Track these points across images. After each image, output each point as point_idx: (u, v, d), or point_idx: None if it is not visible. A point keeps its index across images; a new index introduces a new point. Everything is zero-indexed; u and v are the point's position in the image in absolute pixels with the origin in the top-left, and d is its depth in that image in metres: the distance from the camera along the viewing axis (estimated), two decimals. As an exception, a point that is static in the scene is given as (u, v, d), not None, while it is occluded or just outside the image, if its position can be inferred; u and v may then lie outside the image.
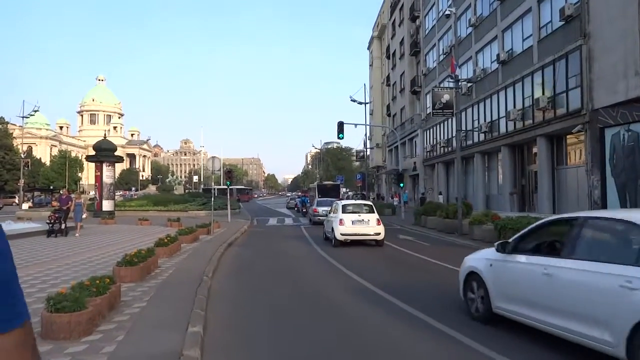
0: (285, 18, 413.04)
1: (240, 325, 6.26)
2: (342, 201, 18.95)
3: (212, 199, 20.07)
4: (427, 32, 41.62)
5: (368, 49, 70.66)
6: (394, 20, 52.72)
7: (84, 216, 18.58)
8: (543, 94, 21.62)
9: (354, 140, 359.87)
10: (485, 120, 28.53)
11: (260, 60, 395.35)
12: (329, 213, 18.64)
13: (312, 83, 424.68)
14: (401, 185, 29.36)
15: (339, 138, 29.00)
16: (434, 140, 39.32)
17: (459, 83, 19.78)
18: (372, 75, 66.23)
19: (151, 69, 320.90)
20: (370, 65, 68.67)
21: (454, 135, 34.18)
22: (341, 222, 15.88)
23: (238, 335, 5.80)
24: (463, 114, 32.45)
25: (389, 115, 56.00)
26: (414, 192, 46.51)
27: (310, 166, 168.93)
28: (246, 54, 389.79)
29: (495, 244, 6.25)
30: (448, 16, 20.50)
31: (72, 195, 18.57)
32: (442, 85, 30.11)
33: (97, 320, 5.46)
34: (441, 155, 37.69)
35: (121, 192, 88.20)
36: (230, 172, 25.63)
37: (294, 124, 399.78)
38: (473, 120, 30.79)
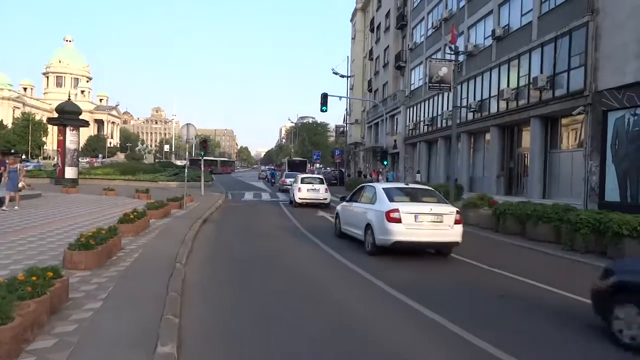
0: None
1: (226, 339, 4.85)
2: (301, 174, 25.81)
3: (199, 170, 18.29)
4: (415, 4, 39.96)
5: (351, 21, 68.50)
6: (380, -9, 50.74)
7: (20, 185, 14.97)
8: (541, 72, 20.51)
9: (330, 116, 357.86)
10: (474, 99, 27.38)
11: (236, 30, 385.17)
12: (293, 183, 24.32)
13: (289, 55, 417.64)
14: (385, 163, 28.17)
15: (322, 110, 27.48)
16: (417, 117, 38.16)
17: (458, 55, 18.40)
18: (353, 49, 64.29)
19: (124, 34, 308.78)
20: (352, 39, 66.66)
21: (439, 113, 33.21)
22: (299, 189, 21.95)
23: (224, 356, 4.40)
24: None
25: (370, 90, 54.46)
26: (394, 170, 45.51)
27: (284, 140, 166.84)
28: (222, 22, 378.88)
29: (340, 197, 14.66)
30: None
31: (7, 161, 15.01)
32: (434, 57, 28.65)
33: (30, 335, 3.97)
34: (424, 133, 36.60)
35: (87, 159, 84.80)
36: (206, 142, 23.92)
37: (269, 96, 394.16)
38: (462, 99, 29.59)
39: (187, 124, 16.95)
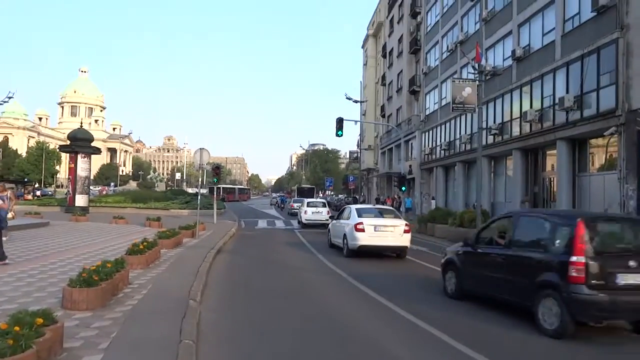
0: (275, 17, 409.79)
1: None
2: (307, 199, 29.90)
3: (209, 198, 17.52)
4: (429, 28, 39.64)
5: (362, 47, 68.65)
6: (392, 17, 50.74)
7: (9, 216, 12.35)
8: (567, 92, 19.65)
9: (341, 143, 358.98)
10: (495, 122, 26.53)
11: (246, 60, 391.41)
12: (300, 207, 28.34)
13: (300, 84, 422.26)
14: (403, 189, 27.23)
15: (337, 135, 26.76)
16: (433, 142, 37.32)
17: (482, 74, 17.67)
18: (365, 75, 64.17)
19: (137, 65, 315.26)
20: (364, 65, 66.63)
21: (457, 137, 32.37)
22: (305, 212, 26.18)
23: None
24: (469, 115, 30.55)
25: (383, 115, 53.94)
26: (409, 196, 44.49)
27: (295, 167, 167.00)
28: (232, 52, 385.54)
29: (330, 217, 20.35)
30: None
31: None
32: (456, 77, 28.00)
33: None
34: (441, 158, 35.69)
35: (99, 187, 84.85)
36: (219, 168, 23.26)
37: (279, 124, 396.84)
38: (481, 121, 28.79)
39: (200, 148, 16.29)
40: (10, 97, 48.18)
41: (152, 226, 20.10)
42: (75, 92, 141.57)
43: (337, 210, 21.37)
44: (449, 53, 34.53)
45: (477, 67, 17.14)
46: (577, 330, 6.08)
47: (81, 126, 30.63)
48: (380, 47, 58.57)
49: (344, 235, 13.87)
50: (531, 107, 22.66)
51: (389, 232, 13.31)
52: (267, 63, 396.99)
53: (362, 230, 13.13)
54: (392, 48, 50.27)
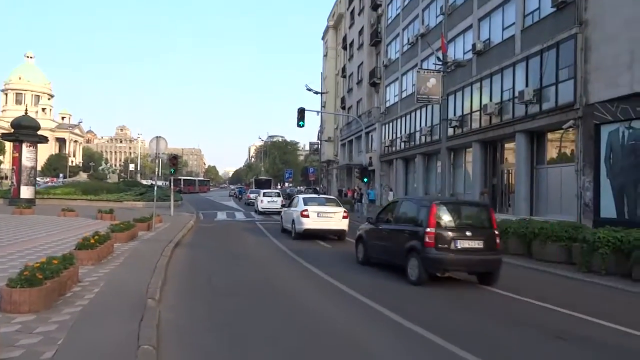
0: (234, 4, 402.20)
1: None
2: (263, 190, 33.02)
3: (167, 190, 16.67)
4: (390, 21, 39.64)
5: (322, 39, 68.21)
6: (353, 9, 50.51)
7: None
8: (527, 86, 19.94)
9: (300, 134, 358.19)
10: (455, 114, 26.76)
11: (204, 48, 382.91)
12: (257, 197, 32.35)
13: (257, 74, 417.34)
14: (365, 180, 27.10)
15: (299, 126, 26.27)
16: (394, 134, 37.47)
17: (446, 66, 17.58)
18: (325, 67, 63.78)
19: (88, 51, 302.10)
20: (324, 56, 66.23)
21: (417, 129, 32.55)
22: (261, 201, 28.62)
23: None
24: (429, 107, 30.75)
25: (343, 107, 53.80)
26: (371, 188, 44.61)
27: (253, 159, 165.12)
28: (190, 40, 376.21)
29: (282, 205, 24.91)
30: None
31: None
32: (422, 69, 27.94)
33: None
34: (401, 150, 35.87)
35: (48, 179, 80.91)
36: (176, 158, 22.34)
37: (236, 116, 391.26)
38: (445, 113, 29.05)
39: (156, 137, 15.41)
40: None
41: (105, 219, 19.06)
42: (20, 78, 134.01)
43: None
44: (409, 46, 34.62)
45: (441, 58, 17.04)
46: (435, 281, 8.78)
47: (26, 113, 28.74)
48: (340, 38, 58.31)
49: (292, 220, 16.38)
50: (491, 100, 22.93)
51: (330, 217, 15.89)
52: (225, 52, 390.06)
53: (307, 216, 15.64)
54: (353, 40, 50.09)
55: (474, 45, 24.65)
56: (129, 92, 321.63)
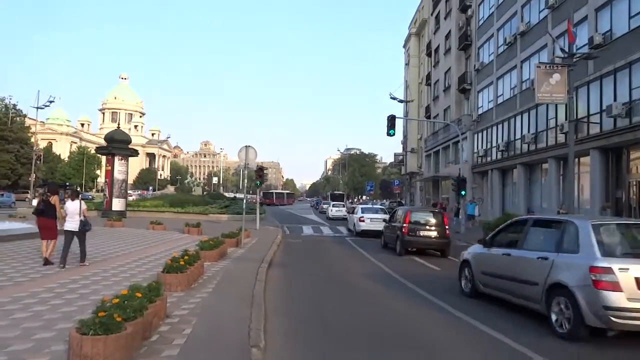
0: (310, 21, 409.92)
1: None
2: (357, 205, 36.51)
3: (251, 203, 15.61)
4: (481, 22, 36.93)
5: (404, 47, 66.13)
6: (438, 13, 48.13)
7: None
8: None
9: (376, 147, 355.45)
10: (566, 118, 23.65)
11: (282, 63, 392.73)
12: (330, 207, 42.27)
13: (335, 89, 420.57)
14: (462, 193, 24.70)
15: (389, 134, 24.46)
16: (488, 143, 34.53)
17: (573, 58, 15.07)
18: (407, 75, 61.57)
19: (175, 70, 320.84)
20: (406, 65, 64.08)
21: (518, 136, 29.49)
22: (361, 219, 23.57)
23: None
24: (532, 112, 27.77)
25: (427, 117, 51.22)
26: (457, 202, 41.68)
27: (330, 172, 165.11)
28: (266, 57, 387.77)
29: (346, 211, 38.19)
30: None
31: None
32: (543, 63, 25.15)
33: None
34: (497, 160, 32.87)
35: (139, 192, 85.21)
36: (262, 170, 21.46)
37: (312, 129, 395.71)
38: (548, 119, 26.06)
39: (246, 146, 14.34)
40: (51, 102, 48.10)
41: (192, 233, 18.39)
42: (115, 98, 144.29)
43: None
44: (506, 46, 31.75)
45: (566, 49, 14.60)
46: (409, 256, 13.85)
47: (118, 127, 29.40)
48: (423, 45, 56.00)
49: (353, 224, 23.47)
50: (615, 100, 19.86)
51: (380, 222, 20.79)
52: (301, 68, 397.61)
53: (364, 220, 22.45)
54: (439, 45, 47.63)
55: (590, 39, 21.63)
56: (212, 108, 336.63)
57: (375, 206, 30.06)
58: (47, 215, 9.72)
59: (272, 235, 19.17)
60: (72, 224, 9.59)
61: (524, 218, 8.73)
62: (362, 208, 24.32)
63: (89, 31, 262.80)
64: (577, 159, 24.27)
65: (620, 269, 5.72)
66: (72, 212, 9.63)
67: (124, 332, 4.07)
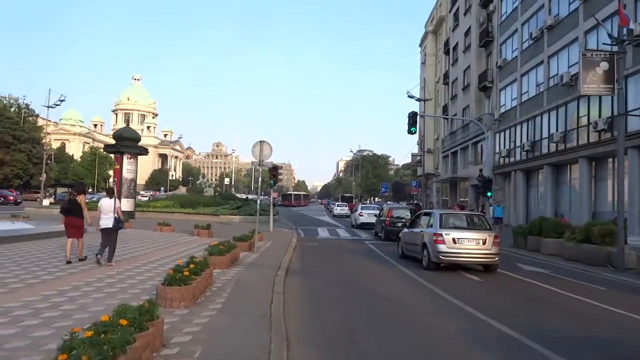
0: (322, 23, 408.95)
1: None
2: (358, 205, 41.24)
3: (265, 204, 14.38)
4: (504, 17, 35.39)
5: (420, 46, 64.66)
6: (457, 9, 46.63)
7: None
8: None
9: (390, 148, 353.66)
10: (600, 115, 22.23)
11: (292, 66, 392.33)
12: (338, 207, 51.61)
13: (348, 90, 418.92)
14: (489, 194, 23.23)
15: (409, 132, 23.21)
16: (511, 143, 33.00)
17: (624, 44, 13.64)
18: (424, 74, 60.08)
19: (187, 71, 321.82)
20: (422, 64, 62.58)
21: (546, 135, 27.91)
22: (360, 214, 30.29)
23: None
24: (562, 109, 26.24)
25: (445, 118, 49.71)
26: (477, 204, 40.11)
27: (342, 173, 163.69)
28: (279, 59, 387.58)
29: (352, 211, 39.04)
30: None
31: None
32: (589, 50, 23.48)
33: None
34: (521, 161, 31.34)
35: (151, 192, 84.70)
36: (276, 169, 20.31)
37: (324, 131, 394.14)
38: (579, 117, 24.56)
39: (260, 141, 13.12)
40: (62, 101, 47.32)
41: (201, 235, 17.25)
42: (128, 99, 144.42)
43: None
44: (532, 41, 30.22)
45: (618, 34, 13.21)
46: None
47: (127, 124, 28.40)
48: (441, 43, 54.50)
49: (355, 219, 30.48)
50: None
51: (374, 216, 26.57)
52: (312, 69, 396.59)
53: (362, 216, 29.10)
54: (457, 43, 46.12)
55: (630, 31, 20.08)
56: (224, 109, 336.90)
57: (371, 205, 39.10)
58: (73, 214, 9.86)
59: (287, 238, 17.95)
60: (107, 221, 9.76)
61: (424, 212, 14.92)
62: (361, 207, 32.91)
63: (104, 31, 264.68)
64: (612, 159, 22.81)
65: (445, 233, 11.65)
66: (107, 209, 9.83)
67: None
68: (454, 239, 11.46)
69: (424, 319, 6.92)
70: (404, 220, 20.29)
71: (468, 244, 11.56)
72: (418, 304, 8.05)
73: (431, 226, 12.20)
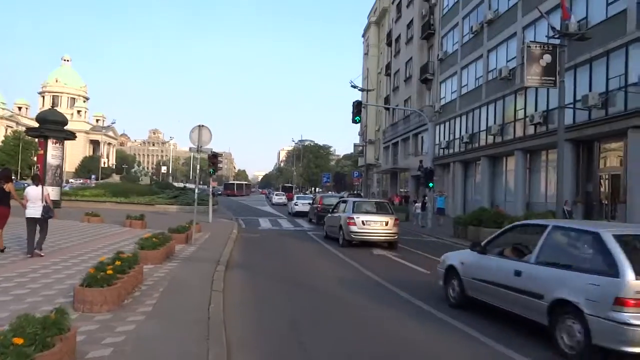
0: (267, 12, 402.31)
1: None
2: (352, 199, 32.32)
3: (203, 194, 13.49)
4: (446, 10, 35.89)
5: (363, 36, 64.83)
6: (400, 1, 46.92)
7: None
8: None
9: (332, 139, 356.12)
10: (536, 109, 22.97)
11: (233, 51, 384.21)
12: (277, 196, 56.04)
13: (287, 79, 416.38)
14: (430, 185, 23.44)
15: (354, 121, 22.96)
16: (451, 135, 33.68)
17: (565, 37, 13.89)
18: (366, 65, 60.28)
19: (122, 57, 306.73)
20: (364, 54, 62.80)
21: (483, 128, 28.65)
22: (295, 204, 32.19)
23: None
24: (499, 102, 26.96)
25: (387, 108, 50.15)
26: (417, 194, 40.83)
27: (283, 163, 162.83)
28: (220, 44, 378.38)
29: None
30: None
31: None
32: (534, 42, 23.88)
33: None
34: (460, 153, 32.09)
35: (81, 181, 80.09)
36: (216, 157, 19.33)
37: (265, 120, 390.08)
38: (516, 110, 25.26)
39: (198, 125, 12.25)
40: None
41: (134, 226, 16.08)
42: (57, 81, 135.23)
43: None
44: (472, 35, 30.83)
45: (559, 28, 13.43)
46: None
47: (52, 107, 26.25)
48: (383, 34, 54.82)
49: (290, 207, 33.53)
50: (590, 90, 19.09)
51: (307, 204, 28.44)
52: (253, 57, 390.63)
53: (297, 205, 31.01)
54: (400, 34, 46.48)
55: (565, 27, 20.75)
56: (160, 95, 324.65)
57: (306, 196, 43.47)
58: (2, 203, 9.24)
59: (226, 230, 17.13)
60: (34, 210, 9.11)
61: (342, 199, 16.08)
62: (297, 197, 36.76)
63: (33, 10, 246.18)
64: (546, 151, 23.71)
65: (356, 217, 14.20)
66: (35, 197, 9.18)
67: None
68: (363, 221, 14.15)
69: (363, 310, 6.53)
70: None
71: (374, 225, 14.26)
72: (356, 292, 7.67)
73: (346, 211, 14.75)
